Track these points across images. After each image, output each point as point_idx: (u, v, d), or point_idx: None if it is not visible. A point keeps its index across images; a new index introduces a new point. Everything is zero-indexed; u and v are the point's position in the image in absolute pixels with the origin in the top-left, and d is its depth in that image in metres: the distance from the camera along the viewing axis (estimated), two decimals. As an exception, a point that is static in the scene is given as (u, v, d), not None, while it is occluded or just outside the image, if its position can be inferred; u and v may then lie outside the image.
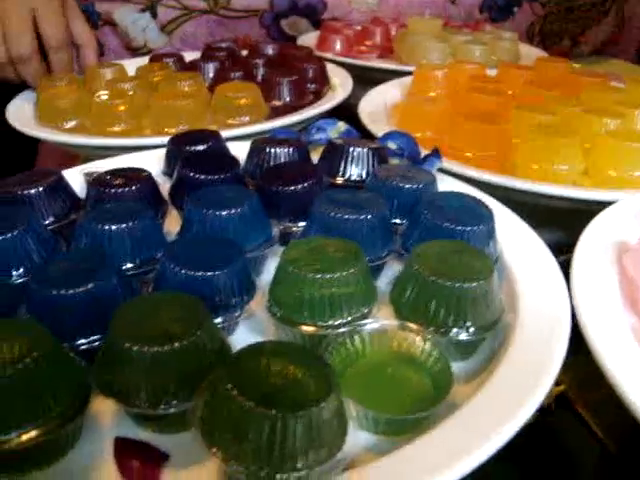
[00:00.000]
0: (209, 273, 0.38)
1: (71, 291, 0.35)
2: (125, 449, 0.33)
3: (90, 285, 0.36)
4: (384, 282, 0.46)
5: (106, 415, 0.35)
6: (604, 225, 0.49)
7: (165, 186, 0.55)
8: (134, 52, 1.25)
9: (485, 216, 0.44)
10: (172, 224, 0.52)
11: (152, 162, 0.60)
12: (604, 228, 0.48)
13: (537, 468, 0.45)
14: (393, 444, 0.32)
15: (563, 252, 0.66)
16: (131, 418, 0.34)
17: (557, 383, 0.52)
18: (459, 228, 0.42)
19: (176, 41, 1.25)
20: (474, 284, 0.36)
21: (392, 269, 0.47)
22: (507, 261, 0.45)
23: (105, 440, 0.34)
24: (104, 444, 0.33)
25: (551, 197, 0.57)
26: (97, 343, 0.36)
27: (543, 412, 0.50)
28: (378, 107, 0.78)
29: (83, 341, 0.36)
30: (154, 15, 1.22)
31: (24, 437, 0.29)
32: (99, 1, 1.22)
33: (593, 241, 0.46)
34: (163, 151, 0.60)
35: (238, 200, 0.45)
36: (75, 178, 0.57)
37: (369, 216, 0.43)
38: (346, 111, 0.79)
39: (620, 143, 0.60)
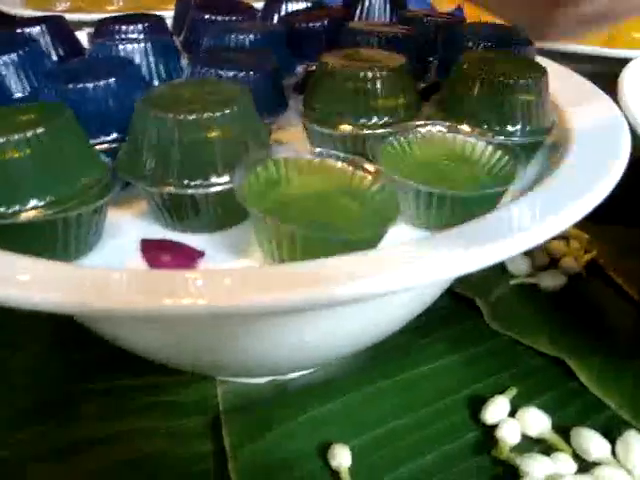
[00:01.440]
0: (242, 73, 0.35)
1: (92, 84, 0.32)
2: (154, 247, 0.30)
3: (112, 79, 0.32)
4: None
5: (131, 221, 0.32)
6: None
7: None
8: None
9: (526, 41, 0.41)
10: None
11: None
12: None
13: (571, 323, 0.44)
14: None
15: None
16: (160, 215, 0.31)
17: (587, 250, 0.50)
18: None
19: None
20: (531, 82, 0.34)
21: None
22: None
23: (130, 247, 0.30)
24: (130, 250, 0.30)
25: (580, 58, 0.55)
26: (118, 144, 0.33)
27: (574, 278, 0.48)
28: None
29: (105, 139, 0.33)
30: None
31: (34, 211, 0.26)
32: None
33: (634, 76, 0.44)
34: (170, 14, 0.56)
35: (259, 29, 0.42)
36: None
37: (404, 34, 0.40)
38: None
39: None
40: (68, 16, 0.64)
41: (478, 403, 0.37)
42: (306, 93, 0.36)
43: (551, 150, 0.36)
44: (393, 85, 0.34)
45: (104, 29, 0.44)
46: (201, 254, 0.29)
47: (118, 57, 0.37)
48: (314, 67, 0.45)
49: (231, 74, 0.34)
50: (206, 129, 0.28)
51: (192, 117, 0.27)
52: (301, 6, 0.52)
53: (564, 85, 0.42)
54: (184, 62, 0.47)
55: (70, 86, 0.32)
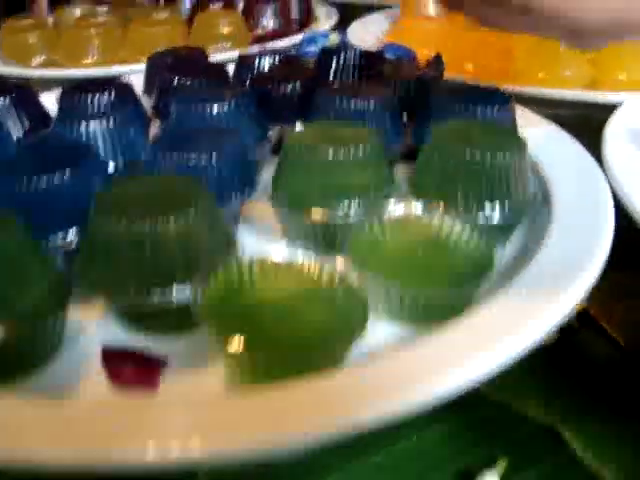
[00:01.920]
0: (204, 157, 0.33)
1: (45, 180, 0.30)
2: (115, 357, 0.28)
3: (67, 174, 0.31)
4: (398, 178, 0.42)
5: (91, 325, 0.30)
6: (627, 116, 0.45)
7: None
8: None
9: (504, 99, 0.40)
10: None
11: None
12: (627, 118, 0.45)
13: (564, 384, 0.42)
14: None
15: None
16: (121, 321, 0.30)
17: None
18: (476, 109, 0.38)
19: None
20: (509, 156, 0.32)
21: (403, 168, 0.42)
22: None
23: (91, 351, 0.28)
24: (90, 355, 0.28)
25: (561, 104, 0.54)
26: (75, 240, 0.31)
27: (566, 331, 0.46)
28: (367, 34, 0.74)
29: (60, 237, 0.31)
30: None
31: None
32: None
33: (618, 129, 0.43)
34: (141, 75, 0.55)
35: (229, 95, 0.40)
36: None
37: (377, 100, 0.39)
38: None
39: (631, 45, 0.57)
40: (42, 72, 0.64)
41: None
42: (274, 173, 0.35)
43: (531, 227, 0.35)
44: (363, 164, 0.33)
45: (68, 101, 0.43)
46: (164, 363, 0.28)
47: (77, 144, 0.35)
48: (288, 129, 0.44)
49: (195, 159, 0.33)
50: (163, 234, 0.26)
51: (147, 222, 0.26)
52: (274, 62, 0.50)
53: (546, 145, 0.41)
54: (153, 129, 0.46)
55: (24, 182, 0.30)
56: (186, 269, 0.27)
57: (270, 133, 0.43)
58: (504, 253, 0.33)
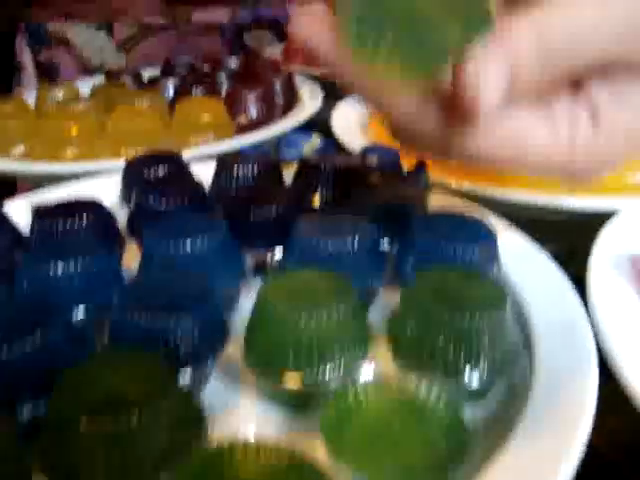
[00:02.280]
0: (172, 320, 0.32)
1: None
2: None
3: (29, 344, 0.30)
4: (377, 314, 0.40)
5: None
6: (613, 239, 0.44)
7: (123, 216, 0.49)
8: (91, 73, 1.19)
9: (486, 234, 0.39)
10: (132, 259, 0.45)
11: (109, 189, 0.54)
12: (613, 242, 0.44)
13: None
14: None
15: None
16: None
17: None
18: (459, 247, 0.37)
19: (134, 60, 1.19)
20: (488, 315, 0.31)
21: (385, 298, 0.41)
22: (514, 284, 0.40)
23: None
24: None
25: (548, 209, 0.53)
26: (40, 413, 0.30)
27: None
28: (353, 119, 0.73)
29: (23, 409, 0.30)
30: (110, 33, 1.17)
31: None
32: (52, 21, 1.16)
33: (604, 258, 0.42)
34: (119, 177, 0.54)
35: (203, 230, 0.39)
36: (21, 210, 0.50)
37: (356, 240, 0.37)
38: (318, 125, 0.75)
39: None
40: (18, 167, 0.62)
41: None
42: (246, 330, 0.33)
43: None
44: (339, 325, 0.31)
45: (39, 232, 0.42)
46: None
47: (43, 303, 0.33)
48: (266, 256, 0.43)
49: (161, 325, 0.31)
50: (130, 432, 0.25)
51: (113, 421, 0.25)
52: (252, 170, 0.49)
53: (528, 277, 0.40)
54: (130, 244, 0.45)
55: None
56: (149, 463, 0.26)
57: (249, 261, 0.42)
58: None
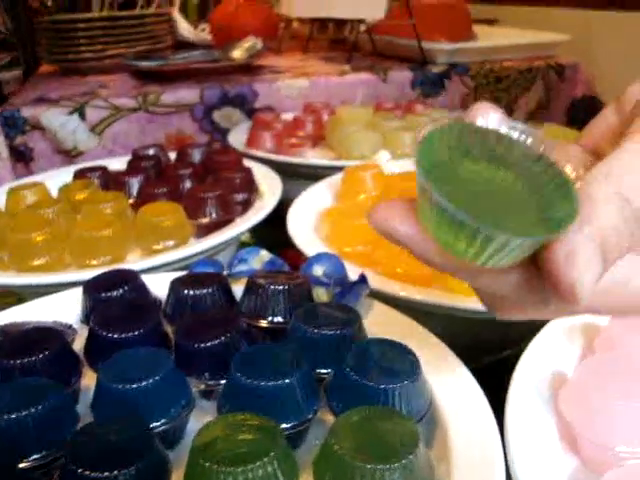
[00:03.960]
0: (114, 473, 0.35)
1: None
2: None
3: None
4: (314, 439, 0.43)
5: None
6: (539, 351, 0.48)
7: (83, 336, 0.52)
8: (65, 155, 1.22)
9: (411, 368, 0.42)
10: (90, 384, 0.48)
11: (72, 305, 0.57)
12: (539, 356, 0.47)
13: None
14: None
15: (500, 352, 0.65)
16: None
17: None
18: (383, 387, 0.40)
19: (107, 141, 1.23)
20: (396, 464, 0.34)
21: (320, 424, 0.44)
22: (439, 406, 0.44)
23: None
24: None
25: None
26: None
27: None
28: (309, 214, 0.77)
29: None
30: (83, 116, 1.21)
31: None
32: (25, 106, 1.20)
33: (528, 374, 0.45)
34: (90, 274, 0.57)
35: (151, 369, 0.42)
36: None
37: (288, 380, 0.40)
38: (280, 209, 0.79)
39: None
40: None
41: None
42: (185, 477, 0.36)
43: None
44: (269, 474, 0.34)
45: None
46: None
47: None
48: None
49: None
50: None
51: None
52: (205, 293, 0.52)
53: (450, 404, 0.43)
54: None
55: None
56: None
57: (195, 391, 0.45)
58: None
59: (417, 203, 0.28)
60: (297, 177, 0.97)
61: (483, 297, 0.33)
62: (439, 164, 0.27)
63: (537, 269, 0.27)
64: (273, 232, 0.78)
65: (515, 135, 0.28)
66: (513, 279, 0.28)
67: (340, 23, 1.84)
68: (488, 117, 0.28)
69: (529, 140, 0.28)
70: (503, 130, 0.28)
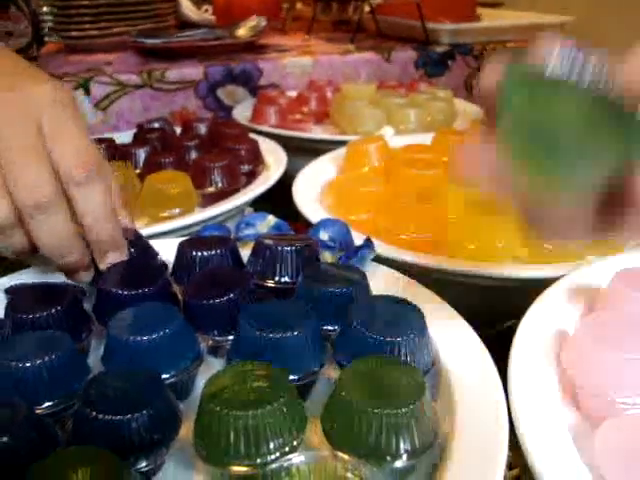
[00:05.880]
0: (127, 416, 0.36)
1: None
2: None
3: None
4: (320, 394, 0.44)
5: None
6: (542, 312, 0.48)
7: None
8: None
9: (416, 323, 0.43)
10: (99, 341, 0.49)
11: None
12: (542, 316, 0.48)
13: None
14: None
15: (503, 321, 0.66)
16: None
17: (511, 467, 0.51)
18: (389, 339, 0.41)
19: (111, 117, 1.23)
20: (404, 409, 0.35)
21: (326, 380, 0.45)
22: (443, 362, 0.44)
23: None
24: None
25: (489, 278, 0.57)
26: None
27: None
28: (313, 185, 0.77)
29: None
30: (87, 92, 1.21)
31: None
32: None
33: (530, 333, 0.46)
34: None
35: (161, 323, 0.43)
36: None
37: (296, 333, 0.41)
38: (284, 185, 0.79)
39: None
40: None
41: None
42: (195, 420, 0.37)
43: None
44: (277, 419, 0.35)
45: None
46: None
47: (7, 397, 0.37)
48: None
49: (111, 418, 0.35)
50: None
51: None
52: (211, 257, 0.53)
53: (455, 360, 0.44)
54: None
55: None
56: None
57: (203, 346, 0.46)
58: None
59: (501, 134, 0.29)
60: (301, 153, 0.98)
61: (536, 218, 0.34)
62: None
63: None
64: (276, 209, 0.79)
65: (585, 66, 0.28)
66: (589, 200, 0.30)
67: (343, 4, 1.84)
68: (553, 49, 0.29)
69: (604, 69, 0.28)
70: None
